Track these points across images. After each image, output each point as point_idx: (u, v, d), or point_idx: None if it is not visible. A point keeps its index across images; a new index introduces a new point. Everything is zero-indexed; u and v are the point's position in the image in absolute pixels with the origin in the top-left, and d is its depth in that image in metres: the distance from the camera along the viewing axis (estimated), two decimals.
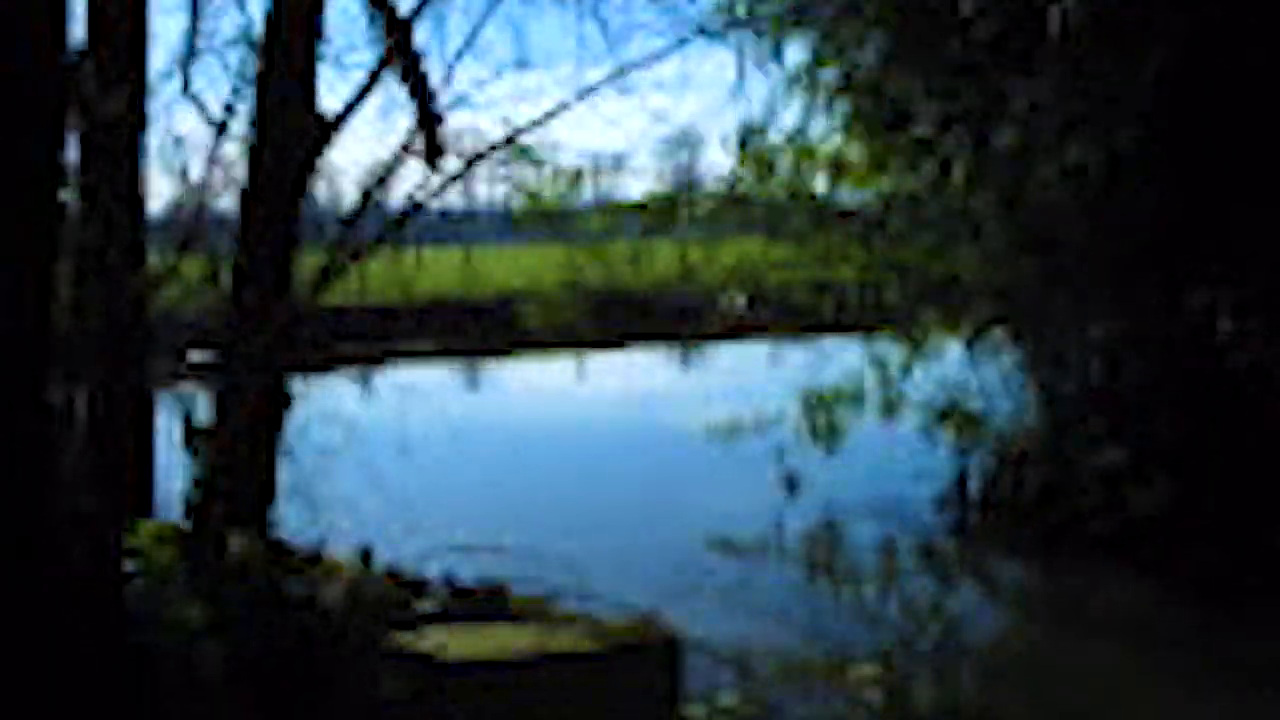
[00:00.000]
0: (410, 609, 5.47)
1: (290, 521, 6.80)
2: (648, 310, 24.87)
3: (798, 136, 11.61)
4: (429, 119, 7.27)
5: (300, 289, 6.76)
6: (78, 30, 5.72)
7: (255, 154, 6.51)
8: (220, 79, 8.47)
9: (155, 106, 6.89)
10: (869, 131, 11.23)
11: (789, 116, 12.50)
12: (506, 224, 10.41)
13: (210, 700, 4.70)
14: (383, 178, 7.35)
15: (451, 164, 7.49)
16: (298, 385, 6.75)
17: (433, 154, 7.35)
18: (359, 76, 7.04)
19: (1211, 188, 9.41)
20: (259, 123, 6.52)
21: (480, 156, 7.63)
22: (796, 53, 11.46)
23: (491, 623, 5.36)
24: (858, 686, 6.81)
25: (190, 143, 7.43)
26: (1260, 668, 7.18)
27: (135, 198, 6.36)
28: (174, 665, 4.68)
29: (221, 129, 7.15)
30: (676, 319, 24.31)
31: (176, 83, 7.23)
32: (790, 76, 11.32)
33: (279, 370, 6.48)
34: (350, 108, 6.91)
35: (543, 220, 9.56)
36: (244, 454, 6.36)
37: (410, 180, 7.47)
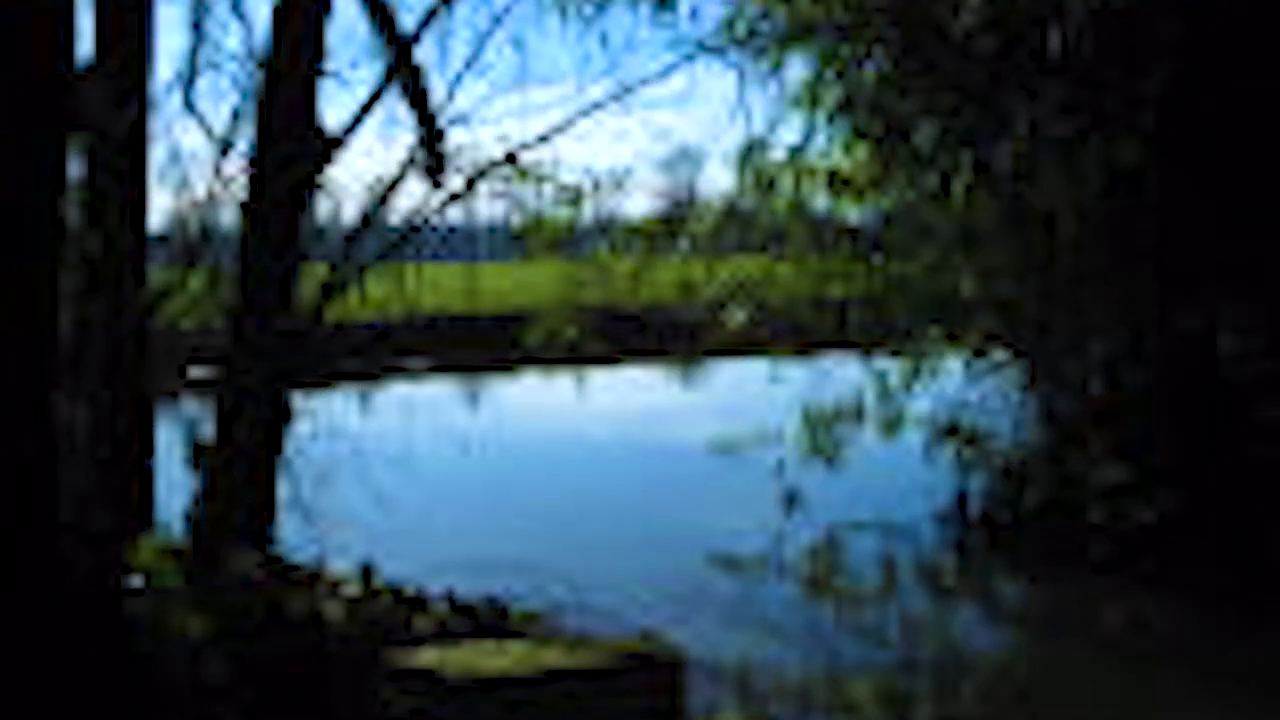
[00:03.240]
0: (411, 625, 5.47)
1: (290, 536, 6.80)
2: (648, 327, 24.88)
3: (799, 153, 11.62)
4: (431, 136, 7.30)
5: (302, 305, 6.78)
6: (84, 46, 5.76)
7: (258, 170, 6.53)
8: (223, 95, 8.51)
9: (158, 122, 6.93)
10: (870, 148, 11.24)
11: (790, 133, 12.50)
12: (507, 240, 10.44)
13: (211, 714, 4.69)
14: (385, 195, 7.37)
15: (453, 181, 7.53)
16: (299, 401, 6.76)
17: (435, 171, 7.38)
18: (362, 94, 7.08)
19: (1213, 204, 9.42)
20: (261, 139, 6.55)
21: (482, 174, 7.67)
22: (798, 70, 11.49)
23: (492, 639, 5.35)
24: (858, 704, 6.79)
25: (193, 159, 7.47)
26: (1262, 679, 7.17)
27: (138, 212, 6.39)
28: (176, 678, 4.68)
29: (225, 145, 7.17)
30: (677, 335, 24.30)
31: (179, 99, 7.26)
32: (791, 94, 11.35)
33: (280, 386, 6.49)
34: (353, 125, 6.95)
35: (547, 239, 9.58)
36: (245, 469, 6.37)
37: (412, 197, 7.51)
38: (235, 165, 7.19)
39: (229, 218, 7.31)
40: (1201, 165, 9.45)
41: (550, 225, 9.97)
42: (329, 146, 6.75)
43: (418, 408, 13.97)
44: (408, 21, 7.20)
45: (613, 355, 22.78)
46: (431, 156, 7.35)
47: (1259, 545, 8.87)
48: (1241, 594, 8.54)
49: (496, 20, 7.83)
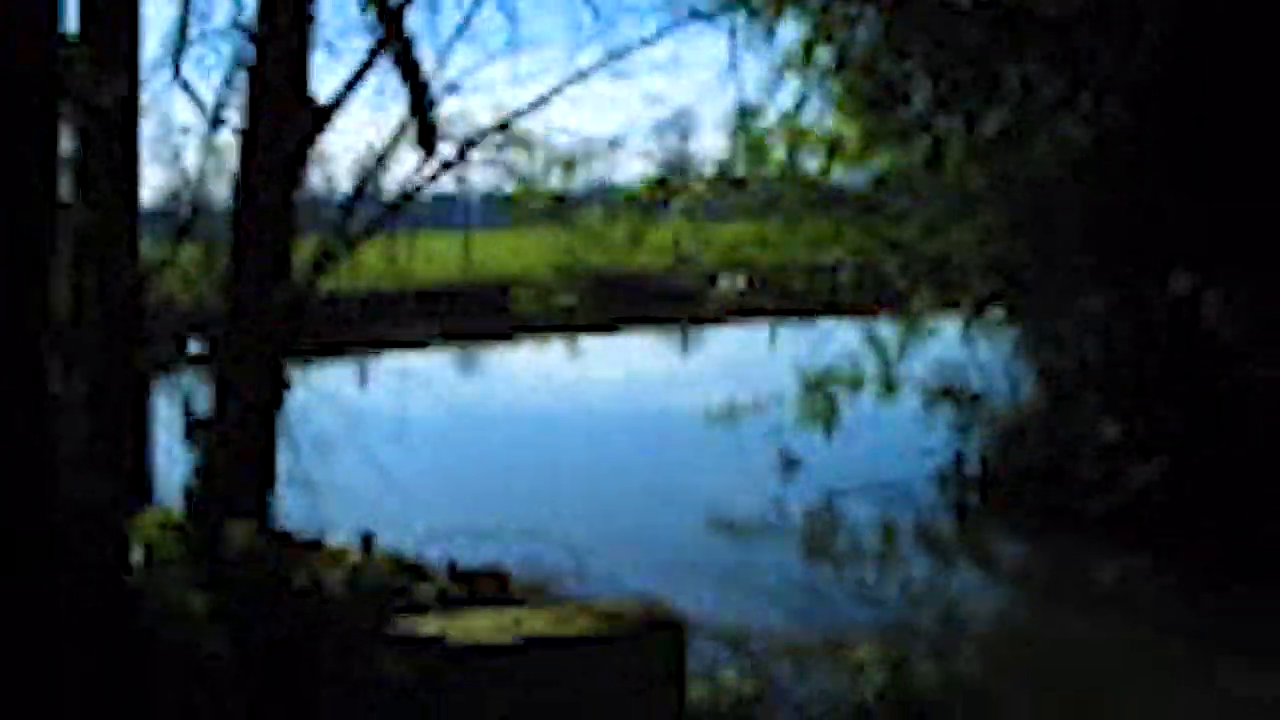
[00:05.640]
0: (413, 594, 5.49)
1: (290, 507, 6.81)
2: (644, 294, 24.85)
3: (792, 117, 11.59)
4: (423, 105, 7.25)
5: (297, 276, 6.76)
6: (71, 19, 5.72)
7: (249, 142, 6.49)
8: (213, 67, 8.45)
9: (148, 95, 6.88)
10: (863, 112, 11.21)
11: (783, 98, 12.44)
12: (501, 209, 10.41)
13: (214, 686, 4.71)
14: (377, 164, 7.34)
15: (446, 149, 7.49)
16: (295, 372, 6.75)
17: (427, 140, 7.34)
18: (352, 63, 7.03)
19: (1202, 166, 9.41)
20: (252, 110, 6.51)
21: (474, 142, 7.62)
22: (790, 34, 11.45)
23: (494, 607, 5.37)
24: (857, 664, 6.83)
25: (184, 131, 7.43)
26: (1251, 638, 7.23)
27: (130, 186, 6.35)
28: (177, 652, 4.69)
29: (215, 117, 7.13)
30: (673, 302, 24.29)
31: (169, 71, 7.22)
32: (784, 58, 11.30)
33: (277, 357, 6.48)
34: (344, 94, 6.90)
35: (539, 206, 9.56)
36: (243, 441, 6.36)
37: (405, 166, 7.47)
38: (226, 137, 7.16)
39: (221, 190, 7.28)
40: (1190, 127, 9.42)
41: (542, 192, 9.94)
42: (320, 117, 6.70)
43: (414, 377, 13.93)
44: None
45: (608, 322, 22.79)
46: (423, 125, 7.30)
47: (1252, 505, 8.90)
48: (1232, 553, 8.57)
49: None
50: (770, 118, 11.70)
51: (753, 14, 11.05)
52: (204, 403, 6.60)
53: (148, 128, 7.01)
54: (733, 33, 11.23)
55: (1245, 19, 9.07)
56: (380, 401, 13.45)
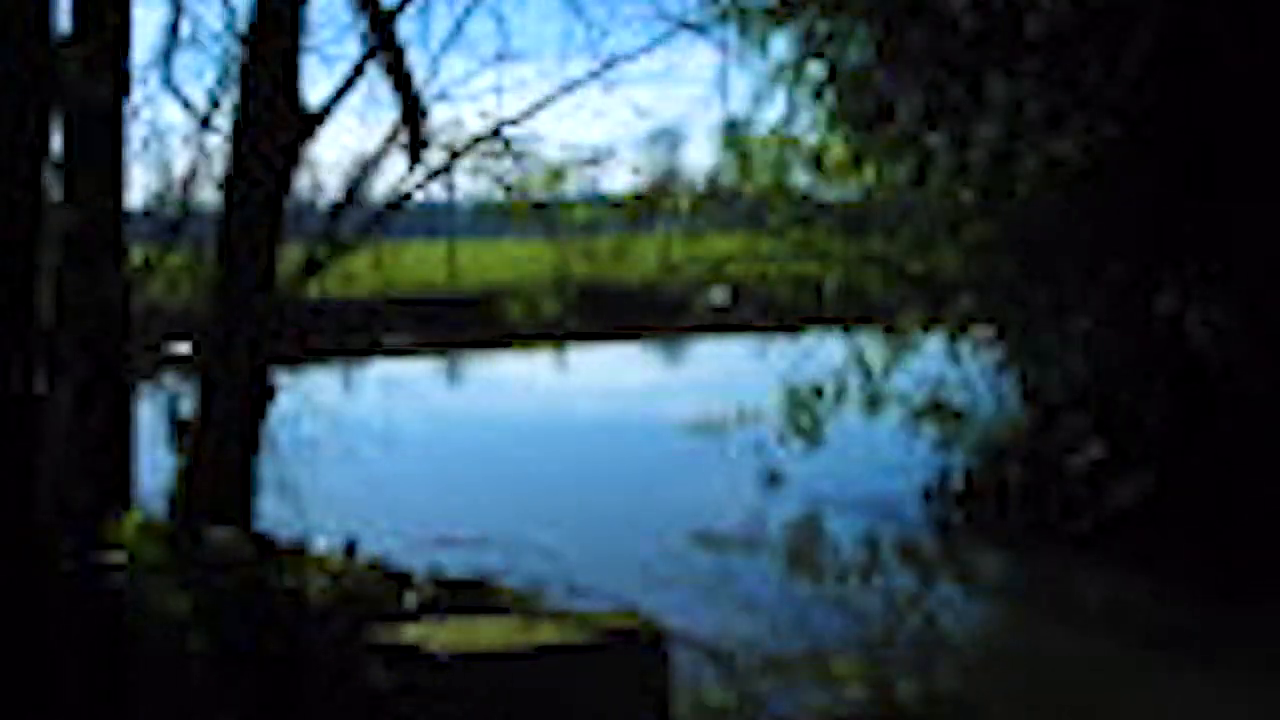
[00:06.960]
0: (396, 602, 5.47)
1: (273, 513, 6.80)
2: (631, 305, 24.87)
3: (781, 131, 11.61)
4: (413, 112, 7.26)
5: (284, 282, 6.75)
6: (62, 20, 5.71)
7: (238, 146, 6.49)
8: (204, 71, 8.46)
9: (138, 98, 6.88)
10: (852, 126, 11.24)
11: (773, 111, 12.47)
12: (489, 218, 10.41)
13: (196, 692, 4.69)
14: (366, 171, 7.34)
15: (435, 157, 7.50)
16: (280, 378, 6.74)
17: (416, 147, 7.35)
18: (343, 69, 7.04)
19: (1190, 183, 9.45)
20: (242, 115, 6.50)
21: (463, 151, 7.64)
22: (781, 47, 11.48)
23: (478, 615, 5.36)
24: (841, 679, 6.83)
25: (173, 135, 7.43)
26: (1238, 653, 7.24)
27: (117, 189, 6.34)
28: (160, 657, 4.67)
29: (205, 121, 7.13)
30: (659, 314, 24.32)
31: (159, 73, 7.21)
32: (774, 71, 11.33)
33: (262, 363, 6.47)
34: (334, 101, 6.91)
35: (529, 215, 9.56)
36: (227, 446, 6.34)
37: (394, 174, 7.48)
38: (215, 141, 7.16)
39: (210, 194, 7.28)
40: (1179, 144, 9.47)
41: (530, 202, 9.95)
42: (310, 123, 6.70)
43: (400, 385, 13.93)
44: None
45: (595, 333, 22.80)
46: (413, 133, 7.31)
47: (1236, 522, 8.93)
48: (1219, 570, 8.60)
49: None
50: (760, 131, 11.75)
51: (744, 27, 11.09)
52: (188, 407, 6.59)
53: (137, 130, 7.01)
54: (724, 45, 11.28)
55: (1234, 35, 9.12)
56: (365, 408, 13.42)
